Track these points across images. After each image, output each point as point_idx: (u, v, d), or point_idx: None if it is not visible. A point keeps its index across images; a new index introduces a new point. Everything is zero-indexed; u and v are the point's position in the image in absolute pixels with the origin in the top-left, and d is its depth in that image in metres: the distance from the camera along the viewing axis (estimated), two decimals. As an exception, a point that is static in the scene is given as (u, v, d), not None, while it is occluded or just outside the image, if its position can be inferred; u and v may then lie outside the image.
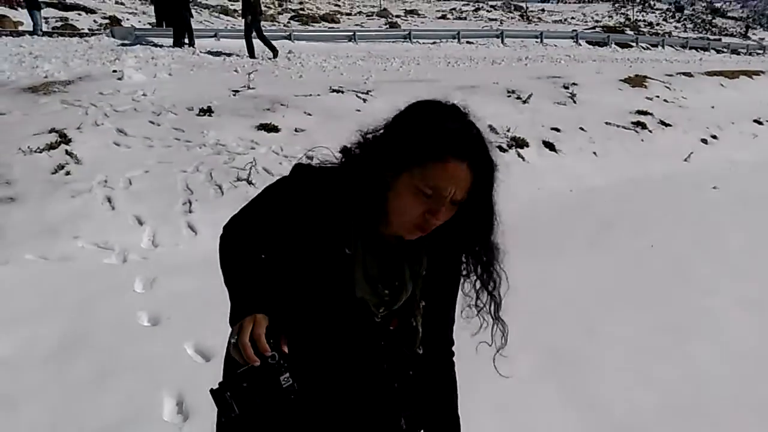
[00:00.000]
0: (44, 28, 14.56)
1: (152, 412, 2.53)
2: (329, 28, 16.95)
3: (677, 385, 2.84)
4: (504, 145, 6.87)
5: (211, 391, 0.99)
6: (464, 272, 1.25)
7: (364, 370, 1.16)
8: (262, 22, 12.27)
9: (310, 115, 6.89)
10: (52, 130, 5.55)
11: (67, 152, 5.22)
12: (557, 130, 7.58)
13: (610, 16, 34.74)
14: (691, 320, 3.50)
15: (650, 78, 10.58)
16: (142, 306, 3.45)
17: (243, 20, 11.77)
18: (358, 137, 1.16)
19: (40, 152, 5.14)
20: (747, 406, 2.72)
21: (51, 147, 5.24)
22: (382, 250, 1.15)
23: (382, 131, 1.14)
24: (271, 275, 1.12)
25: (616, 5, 38.07)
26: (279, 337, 1.02)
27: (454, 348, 1.35)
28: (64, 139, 5.42)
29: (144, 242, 4.28)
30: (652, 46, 22.49)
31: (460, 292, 1.27)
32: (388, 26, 23.08)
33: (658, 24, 35.02)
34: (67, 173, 4.91)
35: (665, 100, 9.69)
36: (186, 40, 12.23)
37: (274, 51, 11.63)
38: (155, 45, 12.18)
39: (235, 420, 0.97)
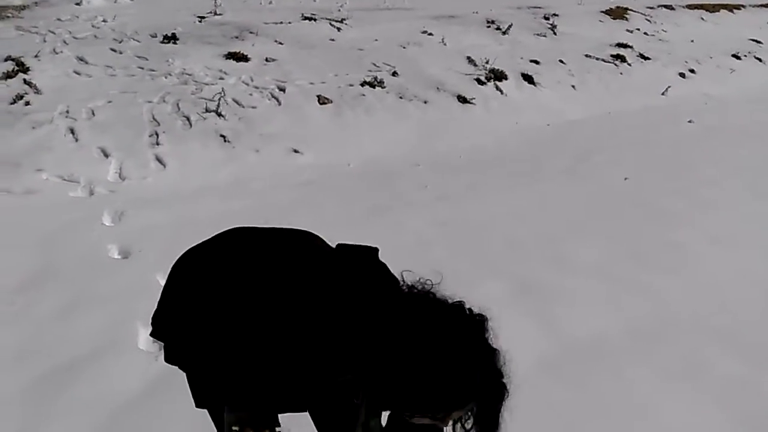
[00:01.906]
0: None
1: (127, 341, 2.53)
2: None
3: (643, 314, 2.91)
4: (482, 78, 6.75)
5: None
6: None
7: None
8: None
9: (281, 43, 6.63)
10: (7, 59, 5.26)
11: (25, 81, 4.97)
12: (536, 62, 7.45)
13: (595, -54, 33.67)
14: (660, 252, 3.57)
15: (632, 10, 10.35)
16: (112, 239, 3.39)
17: None
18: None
19: (-4, 81, 4.90)
20: (708, 335, 2.80)
21: (8, 76, 4.98)
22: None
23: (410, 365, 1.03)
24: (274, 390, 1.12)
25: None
26: None
27: None
28: (22, 67, 5.15)
29: (110, 175, 4.16)
30: (636, -23, 21.98)
31: None
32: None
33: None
34: (27, 103, 4.69)
35: (645, 33, 9.54)
36: None
37: None
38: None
39: None
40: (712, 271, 3.40)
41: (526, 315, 2.84)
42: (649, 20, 10.19)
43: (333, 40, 7.04)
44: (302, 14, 7.80)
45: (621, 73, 7.90)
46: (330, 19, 7.65)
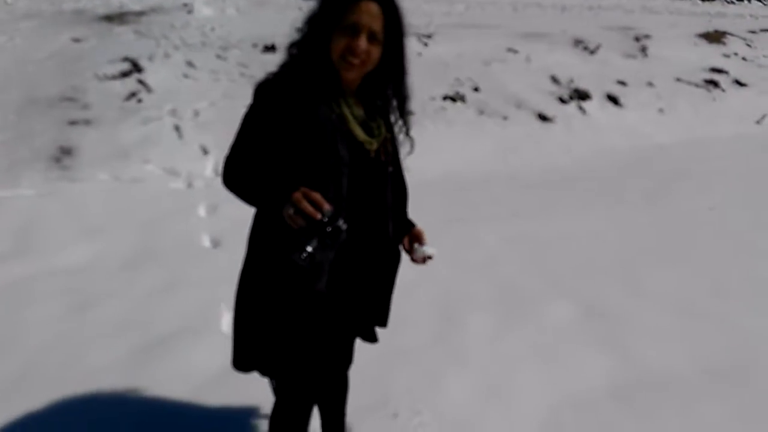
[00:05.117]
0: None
1: (211, 323, 2.75)
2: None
3: (721, 353, 2.75)
4: (565, 97, 6.70)
5: (293, 252, 1.20)
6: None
7: (373, 193, 1.51)
8: None
9: (370, 56, 6.89)
10: (125, 59, 5.79)
11: (139, 81, 5.46)
12: (623, 83, 7.30)
13: (696, -35, 32.11)
14: (745, 288, 3.37)
15: (730, 34, 9.87)
16: (205, 229, 3.68)
17: None
18: (295, 32, 1.46)
19: (114, 79, 5.41)
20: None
21: (124, 75, 5.49)
22: (354, 106, 1.48)
23: (310, 15, 1.44)
24: (284, 162, 1.39)
25: (704, -47, 34.99)
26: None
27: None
28: (137, 68, 5.66)
29: (208, 170, 4.50)
30: (739, -1, 20.82)
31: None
32: (454, -32, 22.16)
33: (749, -25, 32.18)
34: (139, 101, 5.16)
35: (744, 59, 9.07)
36: None
37: None
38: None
39: (316, 266, 1.29)
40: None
41: (596, 340, 2.78)
42: (749, 45, 9.69)
43: (420, 54, 7.21)
44: (391, 29, 8.02)
45: (713, 99, 7.59)
46: (418, 35, 7.84)
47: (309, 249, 1.19)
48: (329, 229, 1.21)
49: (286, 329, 1.50)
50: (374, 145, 1.48)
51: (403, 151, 1.63)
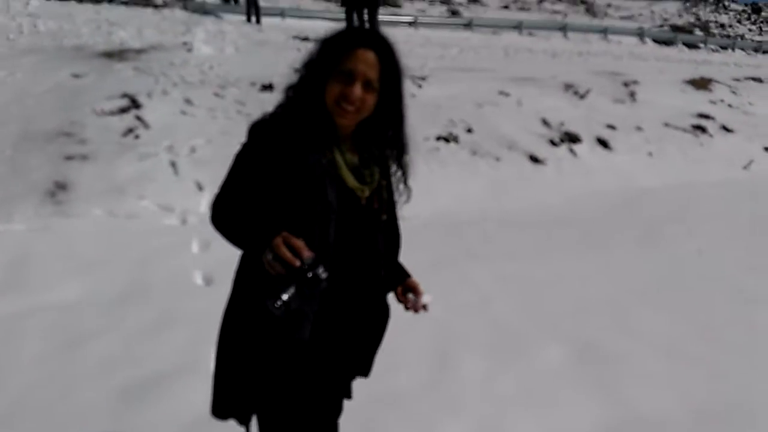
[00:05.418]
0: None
1: (202, 362, 2.66)
2: (391, 13, 16.84)
3: (710, 396, 2.77)
4: (556, 140, 6.83)
5: (268, 300, 1.16)
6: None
7: (363, 241, 1.47)
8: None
9: (365, 97, 7.00)
10: (124, 95, 5.86)
11: (137, 117, 5.52)
12: (613, 128, 7.46)
13: (680, 15, 33.06)
14: (733, 331, 3.40)
15: (716, 81, 10.17)
16: (198, 266, 3.67)
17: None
18: (292, 74, 1.47)
19: (113, 115, 5.47)
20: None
21: (122, 111, 5.55)
22: (348, 153, 1.46)
23: (308, 59, 1.44)
24: (271, 205, 1.37)
25: (687, 4, 36.12)
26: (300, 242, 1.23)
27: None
28: (135, 104, 5.72)
29: (203, 207, 4.51)
30: (722, 48, 21.45)
31: None
32: (450, 14, 22.78)
33: (730, 26, 33.21)
34: (136, 137, 5.20)
35: (730, 105, 9.33)
36: (253, 17, 12.41)
37: None
38: (224, 20, 12.41)
39: (293, 315, 1.21)
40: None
41: (588, 383, 2.79)
42: (734, 92, 9.97)
43: (414, 95, 7.35)
44: (387, 70, 8.17)
45: (701, 144, 7.76)
46: (412, 77, 8.00)
47: (284, 297, 1.15)
48: (309, 275, 1.17)
49: (267, 378, 1.44)
50: (366, 193, 1.44)
51: (400, 199, 1.59)
